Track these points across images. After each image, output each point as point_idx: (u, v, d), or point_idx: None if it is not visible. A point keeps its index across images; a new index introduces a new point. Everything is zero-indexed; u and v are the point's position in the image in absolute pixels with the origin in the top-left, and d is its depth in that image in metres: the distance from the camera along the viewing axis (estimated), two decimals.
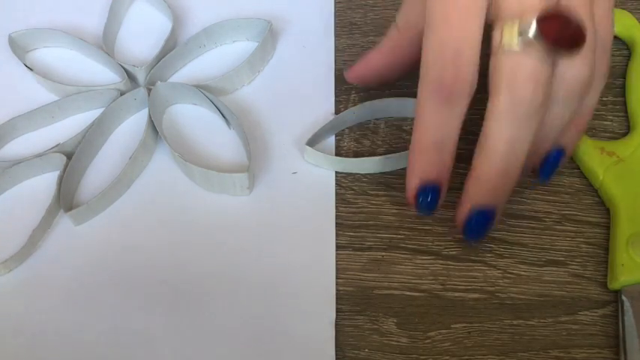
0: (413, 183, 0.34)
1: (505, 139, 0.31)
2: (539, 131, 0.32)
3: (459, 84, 0.31)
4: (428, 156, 0.33)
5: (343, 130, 0.40)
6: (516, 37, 0.30)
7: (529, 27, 0.30)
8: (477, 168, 0.32)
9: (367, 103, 0.39)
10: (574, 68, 0.31)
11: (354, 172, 0.39)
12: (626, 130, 0.39)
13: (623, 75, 0.40)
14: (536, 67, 0.30)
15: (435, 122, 0.32)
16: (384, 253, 0.36)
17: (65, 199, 0.37)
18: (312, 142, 0.38)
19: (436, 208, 0.34)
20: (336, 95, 0.41)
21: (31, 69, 0.41)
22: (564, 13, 0.31)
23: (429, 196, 0.34)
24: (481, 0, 0.31)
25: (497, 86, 0.31)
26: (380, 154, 0.39)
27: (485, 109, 0.31)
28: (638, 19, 0.41)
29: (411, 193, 0.34)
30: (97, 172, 0.39)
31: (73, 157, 0.38)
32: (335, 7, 0.44)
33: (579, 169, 0.38)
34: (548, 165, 0.35)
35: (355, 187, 0.38)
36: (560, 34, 0.31)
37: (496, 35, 0.31)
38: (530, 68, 0.30)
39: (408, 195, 0.34)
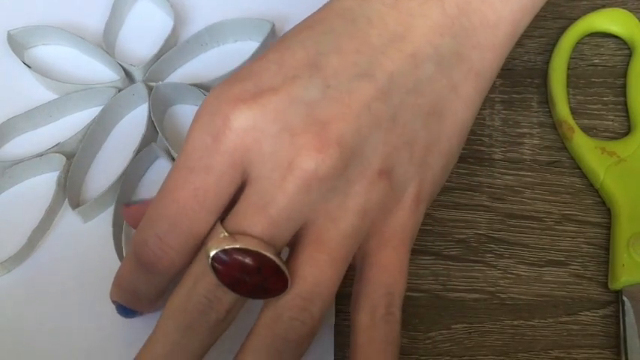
0: (111, 295, 0.31)
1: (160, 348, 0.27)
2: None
3: (158, 263, 0.27)
4: (122, 293, 0.31)
5: None
6: (213, 249, 0.26)
7: (208, 255, 0.26)
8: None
9: None
10: (279, 309, 0.27)
11: None
12: (627, 130, 0.39)
13: (624, 75, 0.40)
14: (208, 291, 0.26)
15: (130, 277, 0.30)
16: None
17: (72, 197, 0.37)
18: None
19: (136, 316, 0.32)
20: None
21: (29, 66, 0.41)
22: (244, 261, 0.25)
23: (126, 311, 0.32)
24: (228, 187, 0.27)
25: (181, 283, 0.27)
26: None
27: None
28: (638, 18, 0.41)
29: (111, 298, 0.32)
30: (99, 170, 0.39)
31: (75, 155, 0.38)
32: None
33: (580, 169, 0.38)
34: None
35: None
36: (238, 281, 0.26)
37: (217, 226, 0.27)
38: (203, 292, 0.26)
39: (110, 296, 0.32)
